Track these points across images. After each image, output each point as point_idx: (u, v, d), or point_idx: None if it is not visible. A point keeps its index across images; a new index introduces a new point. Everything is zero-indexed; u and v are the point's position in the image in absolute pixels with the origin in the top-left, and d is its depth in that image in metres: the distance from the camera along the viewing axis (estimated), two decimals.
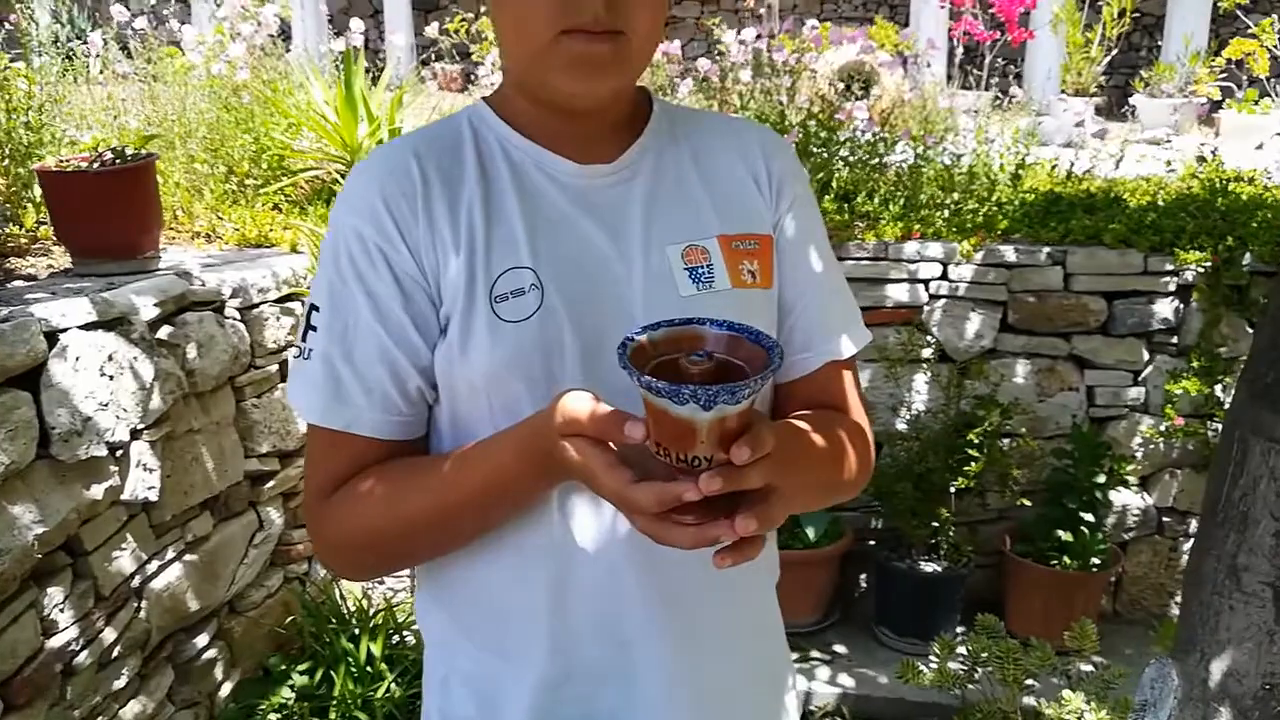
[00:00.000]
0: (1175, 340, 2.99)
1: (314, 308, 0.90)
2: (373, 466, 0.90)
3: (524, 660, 0.92)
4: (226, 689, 2.39)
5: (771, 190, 0.99)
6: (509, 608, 0.92)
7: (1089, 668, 2.45)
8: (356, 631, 2.54)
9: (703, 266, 0.92)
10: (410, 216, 0.88)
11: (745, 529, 0.71)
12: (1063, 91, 6.98)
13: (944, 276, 3.00)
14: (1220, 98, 6.81)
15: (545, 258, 0.88)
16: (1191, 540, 3.10)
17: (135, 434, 2.01)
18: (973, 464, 2.88)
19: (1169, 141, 4.28)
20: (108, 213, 2.24)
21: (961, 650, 2.49)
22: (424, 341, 0.88)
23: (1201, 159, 3.57)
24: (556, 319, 0.87)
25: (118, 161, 2.29)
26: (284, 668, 2.47)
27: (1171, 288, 2.95)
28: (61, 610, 1.85)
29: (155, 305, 2.10)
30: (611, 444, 0.76)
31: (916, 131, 3.53)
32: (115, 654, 1.99)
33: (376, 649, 2.47)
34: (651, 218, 0.92)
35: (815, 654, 2.99)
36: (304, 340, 0.91)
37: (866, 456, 0.99)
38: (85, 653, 1.89)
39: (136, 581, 2.06)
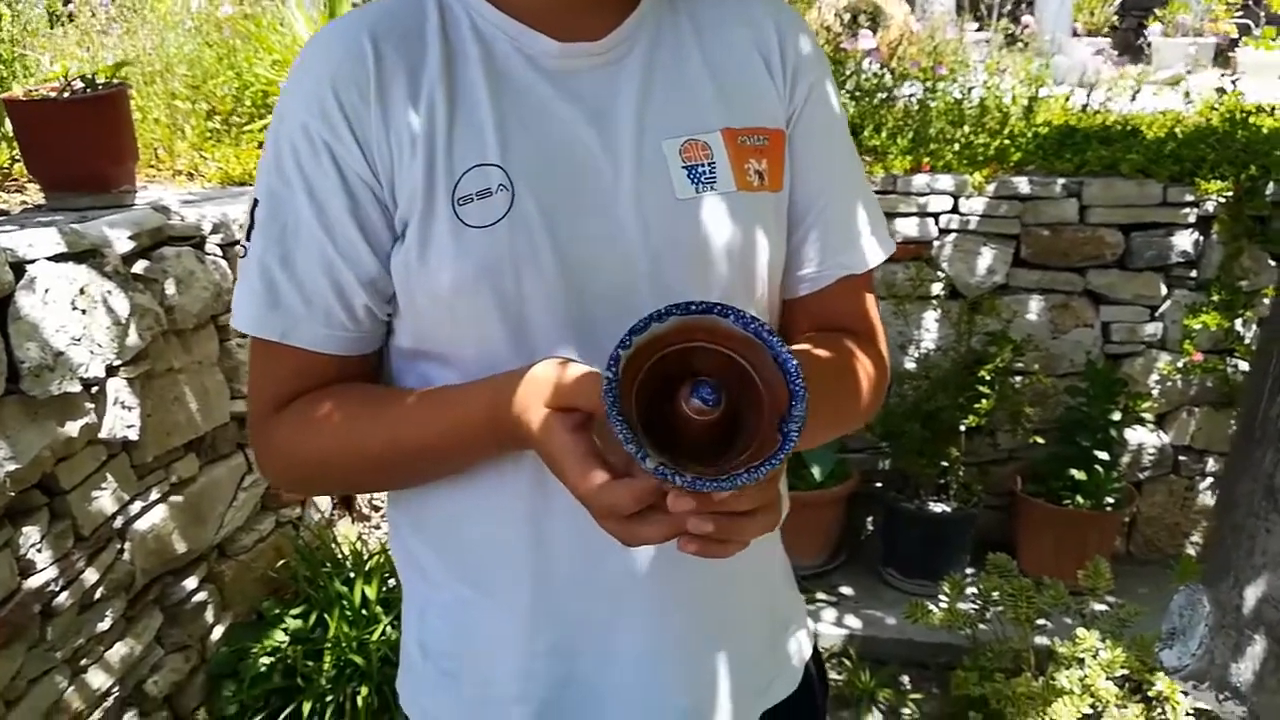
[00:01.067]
0: (1194, 274, 2.89)
1: (256, 202, 0.81)
2: (329, 389, 0.81)
3: (505, 599, 0.84)
4: (218, 632, 2.33)
5: (786, 76, 0.85)
6: (486, 539, 0.84)
7: (1102, 607, 2.39)
8: (351, 575, 2.48)
9: (703, 164, 0.80)
10: (362, 106, 0.76)
11: (699, 528, 0.63)
12: (1075, 32, 6.79)
13: (954, 210, 2.90)
14: (1237, 35, 6.61)
15: (516, 153, 0.76)
16: (1209, 479, 3.03)
17: (111, 371, 1.93)
18: (983, 401, 2.79)
19: (1188, 75, 4.14)
20: (78, 143, 2.14)
21: (971, 590, 2.43)
22: (373, 253, 0.78)
23: (1221, 90, 3.44)
24: (529, 225, 0.76)
25: (88, 90, 2.19)
26: (277, 611, 2.41)
27: (1191, 219, 2.84)
28: (39, 550, 1.79)
29: (130, 238, 2.01)
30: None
31: (926, 63, 3.41)
32: (98, 595, 1.93)
33: (371, 592, 2.41)
34: (645, 107, 0.80)
35: (821, 596, 2.93)
36: (248, 239, 0.81)
37: (881, 385, 0.90)
38: (65, 594, 1.83)
39: (119, 522, 1.99)
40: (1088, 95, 3.58)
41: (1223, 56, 6.49)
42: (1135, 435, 2.99)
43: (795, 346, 0.82)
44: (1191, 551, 3.06)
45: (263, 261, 0.79)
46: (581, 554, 0.81)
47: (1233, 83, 3.45)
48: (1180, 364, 2.90)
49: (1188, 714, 2.19)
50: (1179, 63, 6.18)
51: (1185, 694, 2.19)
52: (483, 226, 0.75)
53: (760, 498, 0.65)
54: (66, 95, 2.17)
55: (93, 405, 1.88)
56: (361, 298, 0.79)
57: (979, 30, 4.88)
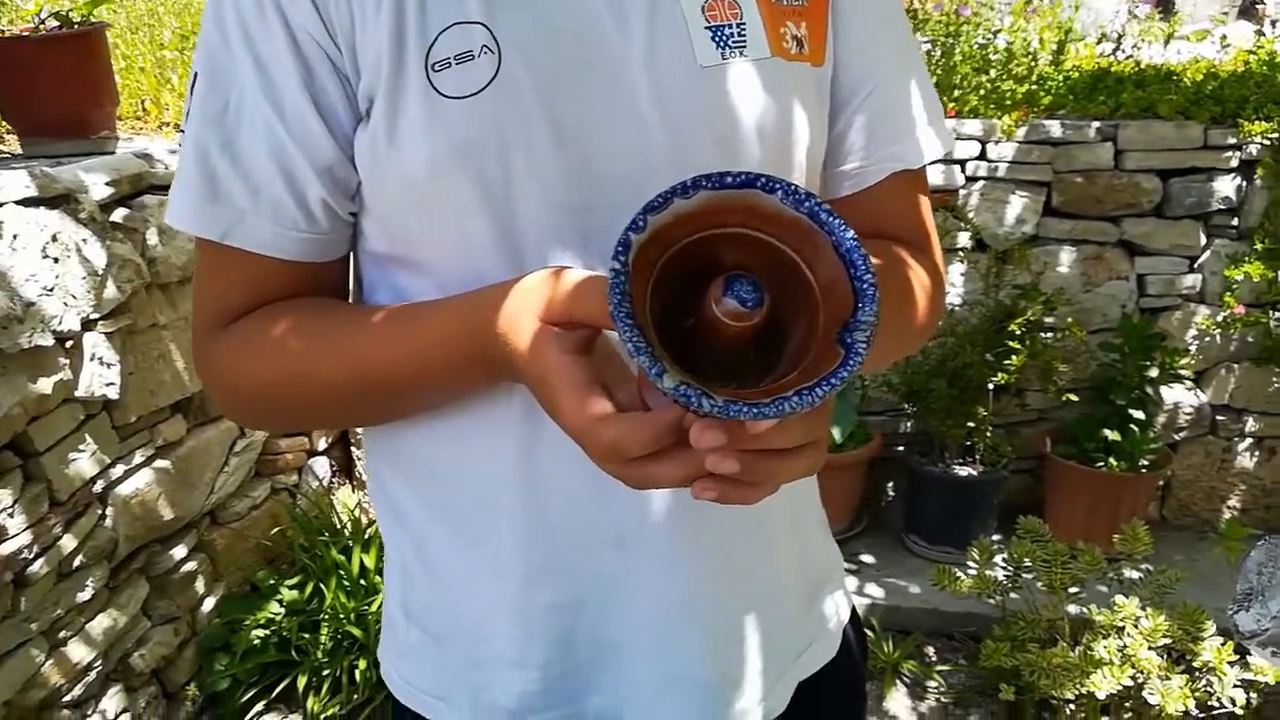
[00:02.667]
0: (1236, 222, 2.73)
1: (197, 77, 0.67)
2: (284, 303, 0.69)
3: (496, 548, 0.72)
4: (209, 604, 2.23)
5: None
6: (472, 479, 0.72)
7: (1135, 574, 2.26)
8: (350, 544, 2.37)
9: (731, 25, 0.66)
10: None
11: (719, 467, 0.50)
12: None
13: (982, 156, 2.74)
14: None
15: (504, 10, 0.63)
16: (1248, 440, 2.89)
17: (88, 324, 1.81)
18: (1014, 357, 2.65)
19: (1224, 16, 3.98)
20: (54, 84, 2.01)
21: (999, 559, 2.30)
22: (330, 134, 0.65)
23: (1260, 32, 3.28)
24: (519, 96, 0.62)
25: (63, 28, 2.06)
26: (272, 582, 2.31)
27: (1233, 163, 2.68)
28: (11, 515, 1.67)
29: (108, 184, 1.89)
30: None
31: (949, 6, 3.25)
32: (77, 564, 1.82)
33: (370, 562, 2.31)
34: None
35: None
36: (185, 120, 0.68)
37: (938, 301, 0.78)
38: (41, 561, 1.72)
39: (99, 486, 1.88)
40: (1116, 43, 3.42)
41: (1250, 11, 6.28)
42: (1171, 394, 2.85)
43: None
44: (1229, 517, 2.93)
45: (200, 145, 0.66)
46: (581, 496, 0.69)
47: (1273, 24, 3.29)
48: (1220, 318, 2.75)
49: (1235, 685, 2.06)
50: (1206, 18, 5.97)
51: (1232, 664, 2.07)
52: (462, 97, 0.61)
53: (807, 431, 0.52)
54: (41, 33, 2.04)
55: (67, 361, 1.76)
56: (316, 189, 0.66)
57: None
